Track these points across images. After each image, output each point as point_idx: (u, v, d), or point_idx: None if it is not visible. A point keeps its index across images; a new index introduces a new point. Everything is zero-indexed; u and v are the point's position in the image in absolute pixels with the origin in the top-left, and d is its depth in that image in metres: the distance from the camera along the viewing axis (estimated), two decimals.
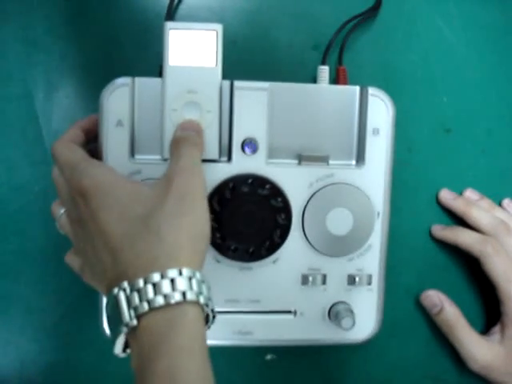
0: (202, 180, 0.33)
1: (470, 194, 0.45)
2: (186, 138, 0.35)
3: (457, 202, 0.44)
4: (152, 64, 0.40)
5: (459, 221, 0.45)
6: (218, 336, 0.40)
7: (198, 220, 0.31)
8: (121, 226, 0.30)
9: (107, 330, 0.38)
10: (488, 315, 0.46)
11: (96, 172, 0.33)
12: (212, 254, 0.40)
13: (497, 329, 0.43)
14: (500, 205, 0.46)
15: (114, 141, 0.38)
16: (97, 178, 0.32)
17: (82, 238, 0.33)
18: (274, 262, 0.40)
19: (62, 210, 0.37)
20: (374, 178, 0.40)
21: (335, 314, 0.41)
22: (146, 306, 0.28)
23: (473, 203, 0.44)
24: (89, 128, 0.38)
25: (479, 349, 0.42)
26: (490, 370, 0.42)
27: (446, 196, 0.45)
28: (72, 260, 0.37)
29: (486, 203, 0.45)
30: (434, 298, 0.44)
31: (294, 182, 0.39)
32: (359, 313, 0.41)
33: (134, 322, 0.28)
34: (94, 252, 0.32)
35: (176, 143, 0.35)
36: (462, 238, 0.43)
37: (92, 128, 0.39)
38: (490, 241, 0.42)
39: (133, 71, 0.39)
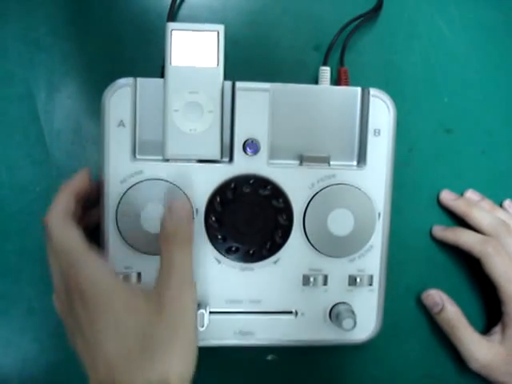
0: (193, 294, 0.33)
1: (471, 194, 0.45)
2: (176, 233, 0.34)
3: (458, 202, 0.44)
4: (154, 64, 0.40)
5: (460, 221, 0.45)
6: (219, 336, 0.40)
7: (189, 341, 0.32)
8: (116, 343, 0.31)
9: None
10: (488, 315, 0.46)
11: (95, 275, 0.32)
12: (213, 254, 0.40)
13: (498, 329, 0.43)
14: (501, 206, 0.46)
15: (115, 141, 0.38)
16: (97, 284, 0.32)
17: (74, 328, 0.33)
18: (275, 262, 0.40)
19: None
20: (375, 179, 0.40)
21: (336, 314, 0.41)
22: None
23: (474, 204, 0.44)
24: (80, 191, 0.37)
25: (480, 348, 0.42)
26: (490, 370, 0.42)
27: (447, 197, 0.45)
28: (63, 318, 0.36)
29: (487, 204, 0.45)
30: (436, 296, 0.44)
31: (296, 183, 0.40)
32: (360, 313, 0.41)
33: None
34: (86, 348, 0.32)
35: (166, 239, 0.34)
36: (463, 238, 0.43)
37: (83, 190, 0.37)
38: (491, 241, 0.42)
39: (135, 72, 0.39)
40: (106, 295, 0.32)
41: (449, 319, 0.43)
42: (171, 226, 0.34)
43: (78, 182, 0.37)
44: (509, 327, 0.42)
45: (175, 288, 0.32)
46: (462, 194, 0.46)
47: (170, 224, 0.34)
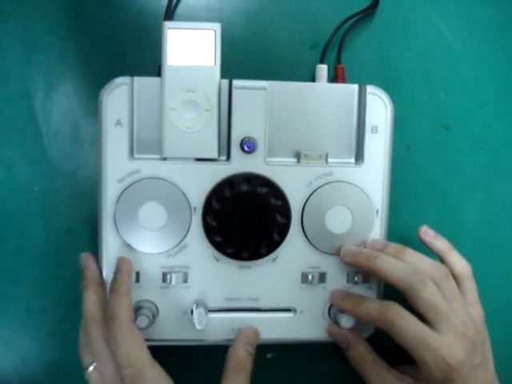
0: None
1: (373, 243, 0.40)
2: (244, 366, 0.38)
3: (359, 258, 0.39)
4: (151, 63, 0.40)
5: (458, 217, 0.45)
6: (218, 334, 0.40)
7: None
8: None
9: None
10: None
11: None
12: (211, 252, 0.40)
13: (411, 375, 0.39)
14: (418, 232, 0.42)
15: (113, 140, 0.38)
16: None
17: None
18: (274, 260, 0.40)
19: (92, 366, 0.38)
20: (372, 176, 0.40)
21: (335, 312, 0.41)
22: None
23: (376, 255, 0.38)
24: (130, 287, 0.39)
25: None
26: None
27: (348, 254, 0.40)
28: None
29: (393, 247, 0.39)
30: (339, 336, 0.41)
31: (293, 181, 0.40)
32: None
33: None
34: None
35: (236, 368, 0.37)
36: (361, 310, 0.39)
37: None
38: (391, 309, 0.37)
39: (132, 71, 0.39)
40: None
41: (354, 358, 0.41)
42: (244, 358, 0.38)
43: (128, 280, 0.38)
44: (422, 382, 0.38)
45: None
46: (461, 193, 0.45)
47: (244, 356, 0.38)
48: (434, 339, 0.36)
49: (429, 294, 0.36)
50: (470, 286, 0.40)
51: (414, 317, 0.37)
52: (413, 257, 0.39)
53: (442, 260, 0.41)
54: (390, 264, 0.38)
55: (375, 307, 0.38)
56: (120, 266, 0.38)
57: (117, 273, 0.38)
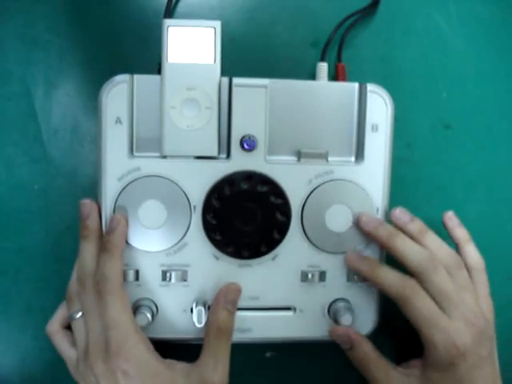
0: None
1: (399, 214, 0.39)
2: (225, 329, 0.37)
3: (380, 231, 0.39)
4: (151, 61, 0.40)
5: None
6: None
7: None
8: None
9: None
10: None
11: (142, 357, 0.35)
12: (211, 250, 0.40)
13: (417, 364, 0.40)
14: (443, 216, 0.41)
15: (112, 138, 0.38)
16: (142, 366, 0.35)
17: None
18: (274, 258, 0.40)
19: (79, 314, 0.38)
20: (373, 175, 0.40)
21: (335, 310, 0.41)
22: None
23: (396, 233, 0.38)
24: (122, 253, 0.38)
25: None
26: None
27: (370, 223, 0.39)
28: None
29: (417, 226, 0.39)
30: (343, 336, 0.40)
31: (293, 179, 0.39)
32: (359, 309, 0.41)
33: None
34: None
35: (218, 331, 0.37)
36: (379, 276, 0.38)
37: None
38: (409, 284, 0.37)
39: (132, 68, 0.39)
40: (150, 376, 0.35)
41: (359, 358, 0.40)
42: (225, 321, 0.38)
43: (123, 242, 0.38)
44: (428, 368, 0.38)
45: (222, 378, 0.36)
46: (462, 192, 0.45)
47: (225, 318, 0.38)
48: (445, 320, 0.36)
49: (440, 280, 0.37)
50: (483, 280, 0.40)
51: (428, 297, 0.37)
52: (432, 241, 0.39)
53: (458, 249, 0.41)
54: (408, 246, 0.38)
55: (394, 277, 0.38)
56: (115, 226, 0.37)
57: (111, 232, 0.37)
